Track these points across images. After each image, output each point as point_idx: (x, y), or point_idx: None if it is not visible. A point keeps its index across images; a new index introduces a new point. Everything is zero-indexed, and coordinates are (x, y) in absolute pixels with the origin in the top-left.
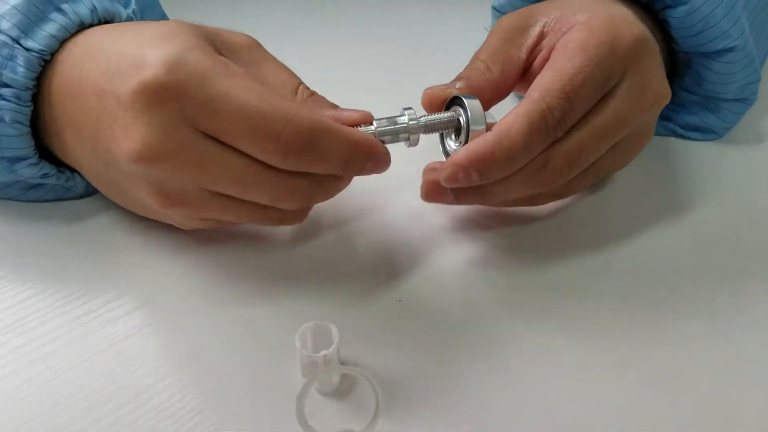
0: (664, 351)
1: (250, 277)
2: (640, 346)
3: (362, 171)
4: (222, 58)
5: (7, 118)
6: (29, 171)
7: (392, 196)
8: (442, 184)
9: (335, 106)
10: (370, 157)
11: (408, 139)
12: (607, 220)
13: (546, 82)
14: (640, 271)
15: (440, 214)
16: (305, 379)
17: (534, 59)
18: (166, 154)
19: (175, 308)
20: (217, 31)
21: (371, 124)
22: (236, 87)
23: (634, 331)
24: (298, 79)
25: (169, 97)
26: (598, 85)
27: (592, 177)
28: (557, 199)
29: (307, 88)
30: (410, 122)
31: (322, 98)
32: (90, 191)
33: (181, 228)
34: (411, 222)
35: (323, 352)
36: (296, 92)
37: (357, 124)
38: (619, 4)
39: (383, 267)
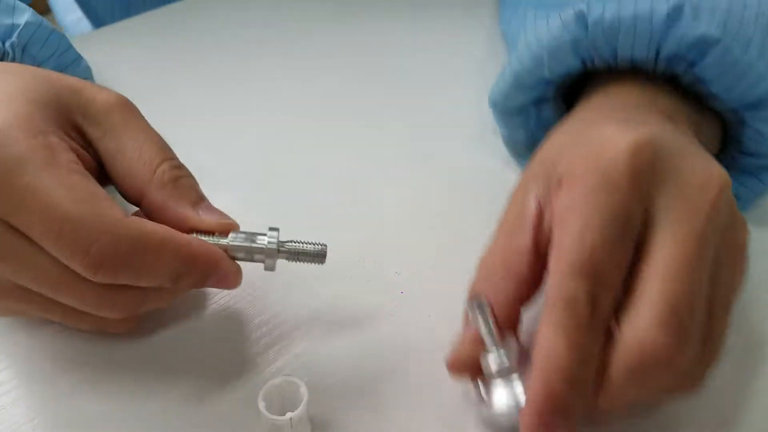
0: None
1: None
2: None
3: (203, 285)
4: (51, 138)
5: None
6: None
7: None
8: None
9: (198, 201)
10: (210, 273)
11: (263, 261)
12: None
13: (553, 273)
14: None
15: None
16: None
17: (545, 241)
18: None
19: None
20: (78, 87)
21: (226, 235)
22: (49, 181)
23: None
24: (166, 154)
25: None
26: (619, 235)
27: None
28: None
29: (174, 168)
30: (269, 245)
31: (188, 185)
32: None
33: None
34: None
35: (290, 414)
36: (155, 171)
37: (211, 232)
38: (609, 109)
39: (356, 314)
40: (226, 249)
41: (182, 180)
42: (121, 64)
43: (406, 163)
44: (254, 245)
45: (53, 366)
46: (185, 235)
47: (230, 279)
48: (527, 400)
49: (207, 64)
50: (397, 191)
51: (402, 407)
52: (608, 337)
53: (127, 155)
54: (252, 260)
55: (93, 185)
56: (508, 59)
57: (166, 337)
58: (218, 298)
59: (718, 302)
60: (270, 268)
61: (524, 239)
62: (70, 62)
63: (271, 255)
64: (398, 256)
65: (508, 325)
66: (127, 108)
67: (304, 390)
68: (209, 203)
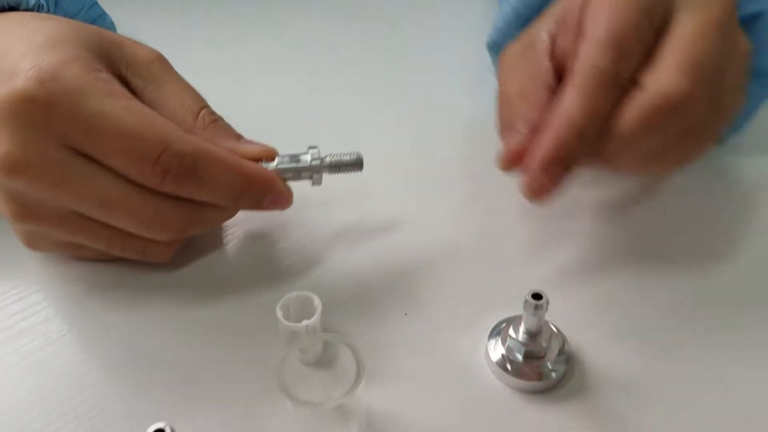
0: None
1: (223, 261)
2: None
3: (259, 206)
4: (104, 75)
5: None
6: None
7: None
8: (530, 200)
9: (239, 137)
10: (266, 192)
11: (311, 177)
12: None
13: (583, 49)
14: None
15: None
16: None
17: (560, 58)
18: (26, 166)
19: (148, 290)
20: (119, 41)
21: (272, 160)
22: (113, 106)
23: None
24: (203, 102)
25: (37, 111)
26: (643, 19)
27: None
28: (679, 160)
29: (211, 113)
30: (313, 162)
31: (227, 126)
32: None
33: (32, 248)
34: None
35: (305, 322)
36: (197, 116)
37: (258, 159)
38: None
39: (365, 240)
40: (275, 171)
41: (220, 122)
42: (140, 21)
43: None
44: (300, 164)
45: (85, 290)
46: (241, 159)
47: (283, 198)
48: (538, 149)
49: (219, 21)
50: (398, 132)
51: (408, 320)
52: (622, 98)
53: (170, 103)
54: (299, 179)
55: (152, 111)
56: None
57: (196, 265)
58: (241, 227)
59: (729, 79)
60: (317, 182)
61: (540, 63)
62: (97, 17)
63: (317, 170)
64: (404, 192)
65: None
66: (164, 62)
67: (317, 302)
68: (247, 139)
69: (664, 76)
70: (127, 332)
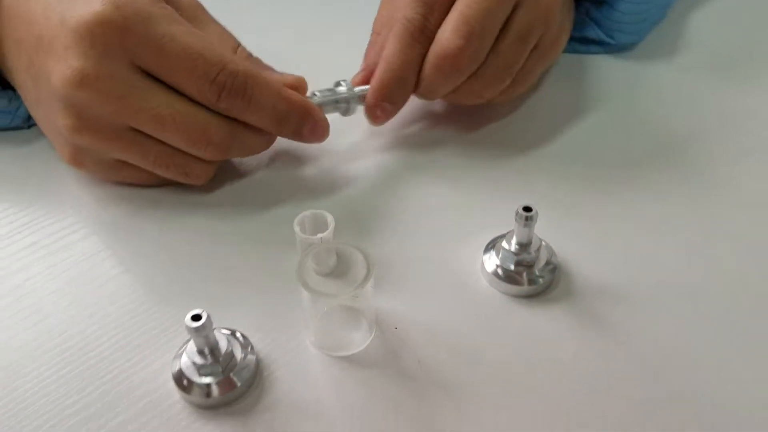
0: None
1: (249, 185)
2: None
3: (299, 133)
4: (168, 6)
5: None
6: None
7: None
8: (374, 125)
9: (272, 69)
10: (308, 119)
11: (347, 108)
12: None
13: (402, 2)
14: None
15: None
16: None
17: None
18: (95, 79)
19: (181, 208)
20: None
21: (304, 89)
22: (179, 31)
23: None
24: (236, 40)
25: (112, 31)
26: None
27: (529, 79)
28: (508, 95)
29: (245, 50)
30: (348, 92)
31: (260, 61)
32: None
33: (74, 166)
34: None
35: (320, 235)
36: (236, 51)
37: (292, 88)
38: None
39: (375, 168)
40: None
41: (254, 57)
42: None
43: None
44: (338, 95)
45: (120, 211)
46: (284, 87)
47: (320, 127)
48: (369, 91)
49: None
50: None
51: (412, 237)
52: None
53: (212, 40)
54: (334, 110)
55: (208, 37)
56: None
57: (226, 187)
58: (266, 154)
59: (516, 33)
60: (351, 112)
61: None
62: None
63: (349, 101)
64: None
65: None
66: (203, 8)
67: (330, 219)
68: (278, 71)
69: (445, 33)
70: (161, 245)
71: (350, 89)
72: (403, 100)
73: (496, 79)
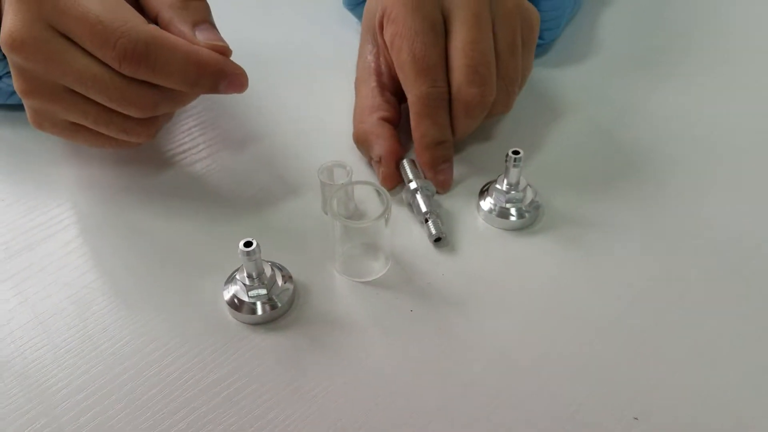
0: None
1: (273, 144)
2: None
3: (216, 91)
4: None
5: None
6: None
7: None
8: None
9: (203, 21)
10: (220, 77)
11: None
12: None
13: (402, 80)
14: None
15: None
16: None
17: (390, 64)
18: (22, 44)
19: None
20: None
21: (226, 54)
22: None
23: None
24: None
25: None
26: (431, 35)
27: (528, 73)
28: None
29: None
30: (420, 186)
31: (197, 6)
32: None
33: (38, 127)
34: None
35: (341, 182)
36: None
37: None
38: None
39: None
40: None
41: (192, 3)
42: None
43: None
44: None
45: (169, 174)
46: (195, 46)
47: (238, 81)
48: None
49: None
50: None
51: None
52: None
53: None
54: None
55: (125, 4)
56: None
57: (254, 146)
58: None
59: (506, 49)
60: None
61: (372, 85)
62: None
63: (422, 189)
64: None
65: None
66: None
67: (350, 168)
68: (211, 26)
69: (461, 87)
70: (212, 195)
71: (421, 185)
72: (451, 155)
73: (510, 94)
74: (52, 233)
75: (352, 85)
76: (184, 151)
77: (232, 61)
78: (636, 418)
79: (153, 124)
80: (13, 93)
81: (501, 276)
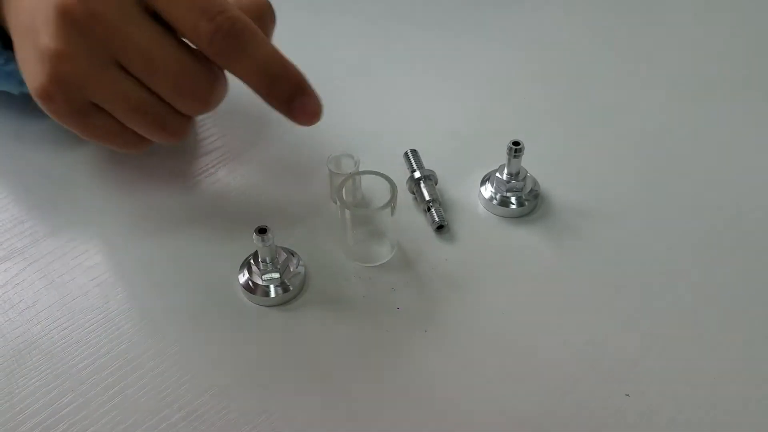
0: None
1: (285, 137)
2: None
3: (290, 104)
4: None
5: None
6: None
7: None
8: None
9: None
10: (300, 90)
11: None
12: None
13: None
14: None
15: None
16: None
17: None
18: (93, 7)
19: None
20: None
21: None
22: None
23: None
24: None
25: None
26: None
27: None
28: None
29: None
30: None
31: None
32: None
33: (45, 102)
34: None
35: (348, 171)
36: None
37: None
38: None
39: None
40: None
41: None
42: None
43: None
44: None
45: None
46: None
47: (313, 106)
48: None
49: None
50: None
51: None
52: None
53: None
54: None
55: None
56: None
57: (266, 143)
58: None
59: None
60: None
61: None
62: None
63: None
64: None
65: None
66: None
67: (357, 158)
68: None
69: None
70: (229, 186)
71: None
72: None
73: None
74: (74, 218)
75: (357, 79)
76: (199, 141)
77: (313, 89)
78: (628, 395)
79: (190, 124)
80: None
81: (501, 262)
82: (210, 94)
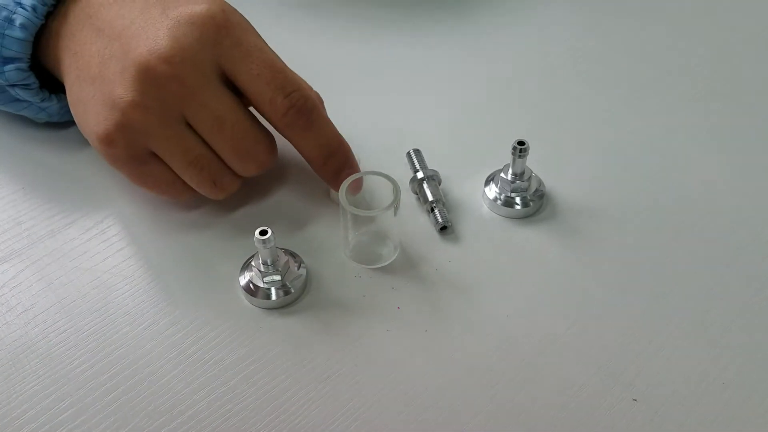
0: None
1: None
2: None
3: (339, 173)
4: None
5: (17, 22)
6: (15, 75)
7: None
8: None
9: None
10: (349, 162)
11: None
12: None
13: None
14: None
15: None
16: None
17: None
18: (180, 61)
19: None
20: None
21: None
22: (268, 47)
23: None
24: None
25: (212, 26)
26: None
27: None
28: None
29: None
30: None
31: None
32: (55, 119)
33: (105, 147)
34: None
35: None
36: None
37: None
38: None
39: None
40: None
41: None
42: None
43: None
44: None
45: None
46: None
47: (356, 184)
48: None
49: None
50: None
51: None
52: None
53: None
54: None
55: None
56: None
57: None
58: None
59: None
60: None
61: None
62: None
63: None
64: None
65: None
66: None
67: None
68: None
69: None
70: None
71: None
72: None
73: None
74: (72, 220)
75: (360, 78)
76: None
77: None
78: (635, 400)
79: (239, 181)
80: (10, 102)
81: (505, 263)
82: (266, 159)
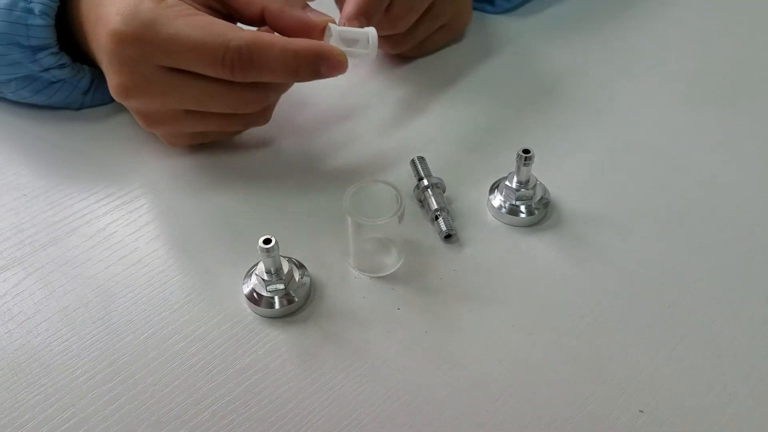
0: None
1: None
2: None
3: (318, 75)
4: (170, 3)
5: (36, 10)
6: (49, 60)
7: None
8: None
9: (305, 5)
10: (320, 62)
11: (367, 42)
12: None
13: None
14: None
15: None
16: None
17: None
18: (135, 89)
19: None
20: None
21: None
22: (182, 26)
23: None
24: None
25: (128, 43)
26: None
27: (431, 45)
28: (416, 52)
29: None
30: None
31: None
32: (88, 101)
33: (172, 146)
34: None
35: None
36: None
37: (305, 32)
38: None
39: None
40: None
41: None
42: None
43: None
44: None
45: (186, 182)
46: (289, 39)
47: (336, 63)
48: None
49: None
50: None
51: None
52: None
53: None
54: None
55: (211, 18)
56: None
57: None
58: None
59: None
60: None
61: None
62: None
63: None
64: None
65: None
66: None
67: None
68: (312, 8)
69: None
70: (231, 194)
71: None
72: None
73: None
74: (75, 227)
75: (364, 84)
76: (201, 152)
77: (328, 45)
78: (641, 411)
79: (269, 109)
80: (42, 89)
81: (510, 271)
82: (262, 96)
